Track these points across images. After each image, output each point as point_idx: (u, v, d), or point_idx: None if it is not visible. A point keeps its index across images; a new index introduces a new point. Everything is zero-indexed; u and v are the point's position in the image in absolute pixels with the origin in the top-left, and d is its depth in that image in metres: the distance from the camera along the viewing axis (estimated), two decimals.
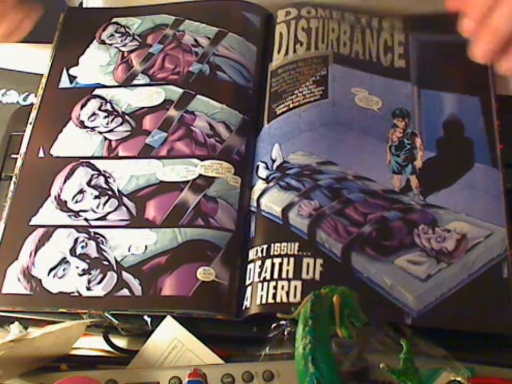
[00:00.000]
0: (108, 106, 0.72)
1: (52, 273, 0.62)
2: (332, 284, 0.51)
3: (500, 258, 0.59)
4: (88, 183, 0.67)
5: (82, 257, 0.62)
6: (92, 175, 0.67)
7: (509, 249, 0.60)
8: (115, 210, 0.65)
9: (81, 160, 0.68)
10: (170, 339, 0.58)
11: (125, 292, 0.60)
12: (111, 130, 0.70)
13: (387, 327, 0.56)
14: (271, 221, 0.63)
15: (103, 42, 0.77)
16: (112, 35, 0.77)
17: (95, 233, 0.64)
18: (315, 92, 0.70)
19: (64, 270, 0.62)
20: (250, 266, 0.61)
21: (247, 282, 0.60)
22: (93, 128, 0.70)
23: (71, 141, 0.70)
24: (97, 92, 0.73)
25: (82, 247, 0.63)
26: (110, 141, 0.69)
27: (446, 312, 0.57)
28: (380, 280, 0.59)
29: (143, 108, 0.71)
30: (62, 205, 0.66)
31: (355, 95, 0.69)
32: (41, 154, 0.69)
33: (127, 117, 0.71)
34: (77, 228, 0.64)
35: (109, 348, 0.61)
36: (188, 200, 0.64)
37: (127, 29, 0.78)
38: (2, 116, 0.75)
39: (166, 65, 0.74)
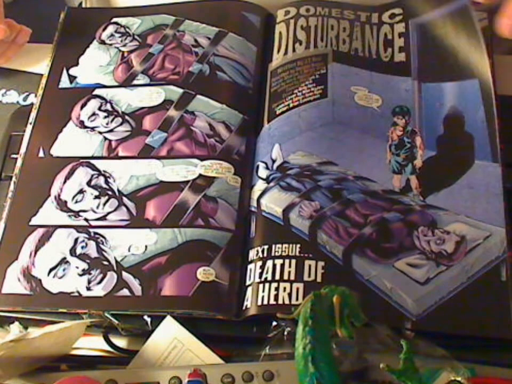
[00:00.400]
0: (108, 106, 0.72)
1: (52, 273, 0.62)
2: (334, 285, 0.51)
3: (499, 261, 0.59)
4: (88, 183, 0.67)
5: (82, 257, 0.62)
6: (92, 175, 0.67)
7: (508, 251, 0.60)
8: (115, 210, 0.65)
9: (81, 160, 0.68)
10: (170, 339, 0.58)
11: (125, 292, 0.60)
12: (111, 130, 0.70)
13: (387, 327, 0.56)
14: (272, 222, 0.63)
15: (103, 42, 0.77)
16: (112, 35, 0.77)
17: (95, 233, 0.64)
18: (315, 91, 0.70)
19: (64, 270, 0.62)
20: (251, 266, 0.61)
21: (248, 282, 0.60)
22: (93, 128, 0.70)
23: (71, 141, 0.70)
24: (97, 92, 0.73)
25: (82, 247, 0.63)
26: (110, 141, 0.69)
27: (445, 316, 0.57)
28: (380, 283, 0.59)
29: (143, 108, 0.71)
30: (62, 205, 0.66)
31: (355, 93, 0.69)
32: (41, 154, 0.69)
33: (127, 117, 0.71)
34: (77, 228, 0.64)
35: (109, 348, 0.61)
36: (188, 200, 0.64)
37: (127, 29, 0.78)
38: (2, 116, 0.76)
39: (166, 65, 0.74)
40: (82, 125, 0.71)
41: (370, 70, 0.71)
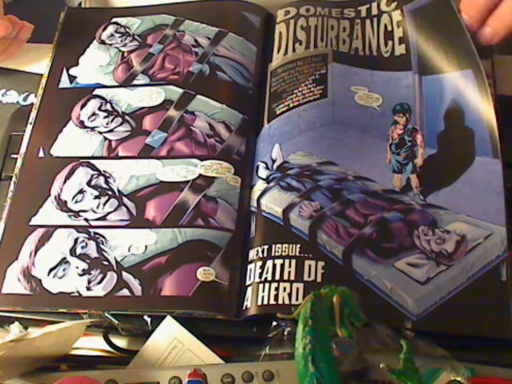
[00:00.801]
0: (108, 106, 0.72)
1: (52, 273, 0.62)
2: (334, 285, 0.51)
3: (499, 260, 0.59)
4: (88, 183, 0.67)
5: (82, 257, 0.62)
6: (92, 175, 0.67)
7: (508, 251, 0.59)
8: (115, 210, 0.65)
9: (81, 160, 0.68)
10: (170, 339, 0.58)
11: (125, 292, 0.60)
12: (111, 130, 0.70)
13: (387, 327, 0.56)
14: (272, 222, 0.63)
15: (103, 42, 0.77)
16: (112, 35, 0.77)
17: (95, 233, 0.64)
18: (315, 91, 0.70)
19: (64, 270, 0.62)
20: (251, 266, 0.61)
21: (248, 282, 0.60)
22: (93, 128, 0.70)
23: (71, 141, 0.70)
24: (97, 92, 0.73)
25: (82, 247, 0.63)
26: (110, 141, 0.69)
27: (445, 316, 0.57)
28: (380, 283, 0.58)
29: (143, 108, 0.71)
30: (62, 205, 0.66)
31: (355, 93, 0.69)
32: (41, 154, 0.69)
33: (127, 117, 0.71)
34: (77, 228, 0.64)
35: (109, 348, 0.61)
36: (188, 200, 0.64)
37: (127, 29, 0.78)
38: (2, 116, 0.76)
39: (166, 65, 0.74)
40: (82, 125, 0.71)
41: (370, 69, 0.71)
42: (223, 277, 0.60)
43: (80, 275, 0.61)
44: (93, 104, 0.72)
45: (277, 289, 0.58)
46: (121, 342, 0.61)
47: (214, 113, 0.70)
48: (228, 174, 0.66)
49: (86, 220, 0.65)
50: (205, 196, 0.64)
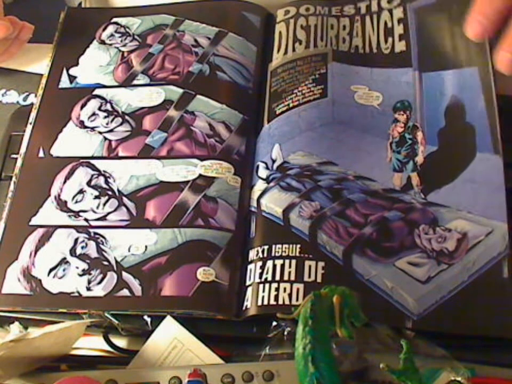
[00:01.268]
0: (108, 106, 0.72)
1: (52, 273, 0.62)
2: (334, 285, 0.51)
3: (500, 257, 0.59)
4: (88, 183, 0.67)
5: (82, 257, 0.62)
6: (92, 175, 0.67)
7: (509, 248, 0.59)
8: (115, 210, 0.65)
9: (81, 160, 0.68)
10: (170, 339, 0.58)
11: (125, 292, 0.60)
12: (111, 130, 0.70)
13: (387, 327, 0.56)
14: (272, 222, 0.63)
15: (103, 42, 0.77)
16: (112, 35, 0.77)
17: (95, 233, 0.64)
18: (314, 91, 0.70)
19: (64, 270, 0.62)
20: (251, 266, 0.61)
21: (248, 282, 0.60)
22: (93, 128, 0.70)
23: (71, 141, 0.70)
24: (97, 92, 0.73)
25: (82, 247, 0.63)
26: (110, 141, 0.69)
27: (446, 315, 0.57)
28: (381, 282, 0.58)
29: (143, 108, 0.71)
30: (62, 205, 0.66)
31: (355, 92, 0.69)
32: (41, 154, 0.69)
33: (127, 117, 0.71)
34: (77, 228, 0.64)
35: (109, 348, 0.61)
36: (188, 200, 0.64)
37: (127, 29, 0.78)
38: (2, 116, 0.76)
39: (166, 65, 0.74)
40: (82, 125, 0.71)
41: (370, 67, 0.71)
42: (223, 277, 0.60)
43: (80, 275, 0.61)
44: (93, 104, 0.72)
45: (277, 289, 0.58)
46: (121, 342, 0.61)
47: (214, 113, 0.70)
48: (228, 174, 0.66)
49: (86, 220, 0.65)
50: (205, 196, 0.64)
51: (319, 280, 0.59)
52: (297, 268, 0.59)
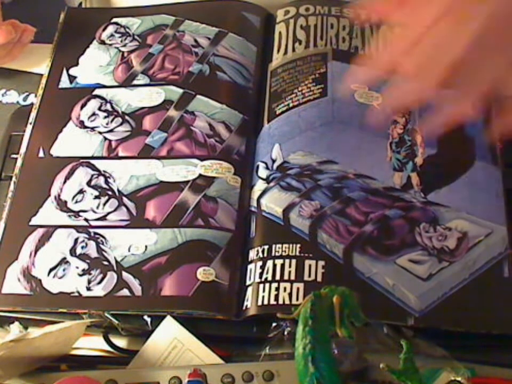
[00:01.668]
0: (108, 107, 0.72)
1: (52, 273, 0.62)
2: (334, 285, 0.51)
3: (501, 257, 0.59)
4: (88, 183, 0.67)
5: (82, 257, 0.62)
6: (92, 175, 0.67)
7: (510, 248, 0.60)
8: (115, 210, 0.65)
9: (81, 160, 0.68)
10: (170, 339, 0.58)
11: (125, 292, 0.60)
12: (111, 131, 0.70)
13: (387, 327, 0.56)
14: (272, 222, 0.63)
15: (103, 42, 0.77)
16: (112, 35, 0.77)
17: (95, 233, 0.64)
18: (314, 90, 0.69)
19: (64, 270, 0.62)
20: (251, 266, 0.61)
21: (248, 282, 0.60)
22: (93, 128, 0.70)
23: (71, 141, 0.70)
24: (97, 92, 0.73)
25: (82, 247, 0.63)
26: (110, 141, 0.69)
27: (448, 312, 0.57)
28: (382, 280, 0.58)
29: (143, 108, 0.71)
30: (62, 205, 0.66)
31: (355, 91, 0.69)
32: (41, 154, 0.69)
33: (127, 117, 0.71)
34: (77, 228, 0.64)
35: (109, 348, 0.61)
36: (188, 200, 0.64)
37: (127, 29, 0.78)
38: (2, 116, 0.76)
39: (166, 65, 0.74)
40: (82, 125, 0.71)
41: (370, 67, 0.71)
42: (223, 277, 0.60)
43: (80, 275, 0.61)
44: (93, 104, 0.72)
45: (277, 289, 0.58)
46: (121, 342, 0.61)
47: (214, 113, 0.70)
48: (228, 174, 0.66)
49: (86, 220, 0.65)
50: (205, 195, 0.64)
51: (319, 279, 0.58)
52: (297, 267, 0.59)
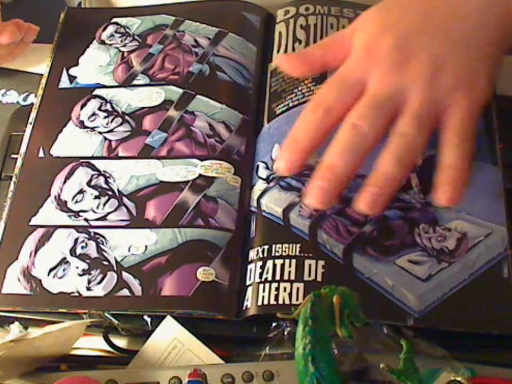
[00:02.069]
0: (108, 107, 0.72)
1: (52, 273, 0.62)
2: (334, 285, 0.51)
3: (501, 258, 0.59)
4: (88, 183, 0.67)
5: (82, 257, 0.62)
6: (92, 175, 0.67)
7: (509, 249, 0.60)
8: (115, 210, 0.65)
9: (81, 160, 0.68)
10: (170, 339, 0.58)
11: (125, 292, 0.60)
12: (111, 131, 0.70)
13: (387, 327, 0.56)
14: (272, 222, 0.63)
15: (103, 42, 0.77)
16: (112, 35, 0.77)
17: (95, 233, 0.64)
18: (314, 90, 0.69)
19: (64, 270, 0.62)
20: (251, 266, 0.61)
21: (248, 282, 0.60)
22: (93, 128, 0.70)
23: (71, 141, 0.70)
24: (97, 92, 0.73)
25: (82, 247, 0.63)
26: (110, 141, 0.69)
27: (447, 313, 0.57)
28: (382, 280, 0.58)
29: (143, 108, 0.71)
30: (62, 205, 0.66)
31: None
32: (41, 154, 0.69)
33: (127, 117, 0.71)
34: (77, 228, 0.64)
35: (109, 348, 0.60)
36: (188, 200, 0.64)
37: (127, 29, 0.78)
38: (2, 116, 0.75)
39: (166, 65, 0.74)
40: (82, 125, 0.71)
41: None
42: (223, 277, 0.60)
43: (80, 275, 0.61)
44: (93, 104, 0.72)
45: (277, 289, 0.58)
46: (121, 342, 0.61)
47: (214, 113, 0.70)
48: (228, 174, 0.66)
49: (86, 220, 0.65)
50: (205, 195, 0.64)
51: (319, 279, 0.59)
52: (297, 267, 0.59)
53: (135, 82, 0.73)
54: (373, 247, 0.60)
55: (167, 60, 0.74)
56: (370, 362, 0.54)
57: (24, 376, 0.56)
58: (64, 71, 0.75)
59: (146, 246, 0.62)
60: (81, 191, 0.66)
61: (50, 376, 0.56)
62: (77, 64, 0.75)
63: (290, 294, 0.58)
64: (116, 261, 0.62)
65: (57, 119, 0.71)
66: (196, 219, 0.63)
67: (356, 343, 0.54)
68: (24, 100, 0.78)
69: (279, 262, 0.60)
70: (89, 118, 0.71)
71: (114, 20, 0.79)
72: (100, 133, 0.70)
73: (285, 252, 0.60)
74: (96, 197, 0.66)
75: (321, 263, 0.59)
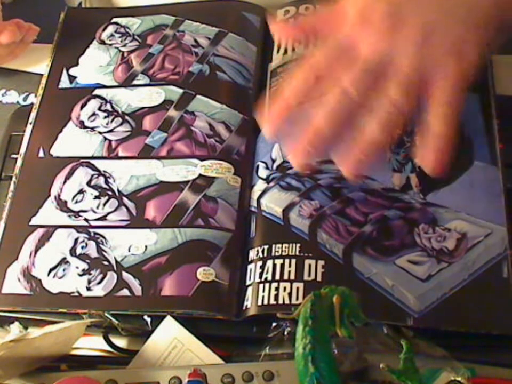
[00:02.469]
0: (108, 107, 0.72)
1: (52, 273, 0.62)
2: (334, 285, 0.51)
3: (500, 258, 0.59)
4: (88, 183, 0.67)
5: (82, 257, 0.62)
6: (92, 175, 0.67)
7: (509, 249, 0.60)
8: (115, 210, 0.65)
9: (81, 160, 0.68)
10: (170, 339, 0.58)
11: (125, 292, 0.60)
12: (111, 131, 0.70)
13: (387, 327, 0.56)
14: (272, 222, 0.63)
15: (103, 42, 0.77)
16: (112, 35, 0.77)
17: (95, 233, 0.64)
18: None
19: (64, 270, 0.62)
20: (251, 266, 0.61)
21: (248, 282, 0.60)
22: (93, 128, 0.70)
23: (71, 141, 0.70)
24: (97, 92, 0.73)
25: (82, 247, 0.63)
26: (110, 141, 0.69)
27: (447, 313, 0.57)
28: (381, 280, 0.58)
29: (143, 108, 0.71)
30: (62, 205, 0.66)
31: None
32: (41, 154, 0.69)
33: (127, 117, 0.71)
34: (77, 228, 0.64)
35: (109, 348, 0.60)
36: (188, 200, 0.64)
37: (127, 29, 0.78)
38: (2, 116, 0.75)
39: (166, 65, 0.74)
40: (82, 125, 0.71)
41: None
42: (223, 277, 0.60)
43: (80, 275, 0.61)
44: (93, 104, 0.72)
45: (277, 289, 0.58)
46: (121, 342, 0.61)
47: (214, 113, 0.70)
48: (228, 174, 0.66)
49: (86, 220, 0.65)
50: (205, 195, 0.64)
51: (319, 279, 0.59)
52: (297, 267, 0.59)
53: (135, 82, 0.73)
54: (372, 247, 0.60)
55: (167, 60, 0.74)
56: (370, 362, 0.54)
57: (24, 376, 0.56)
58: (64, 71, 0.75)
59: (146, 246, 0.62)
60: (81, 191, 0.66)
61: (50, 376, 0.56)
62: (77, 64, 0.75)
63: (290, 294, 0.58)
64: (116, 261, 0.62)
65: (57, 119, 0.71)
66: (196, 219, 0.63)
67: (356, 343, 0.54)
68: (24, 100, 0.78)
69: (279, 262, 0.60)
70: (89, 118, 0.71)
71: (114, 20, 0.79)
72: (100, 133, 0.70)
73: (285, 251, 0.60)
74: (96, 197, 0.66)
75: (321, 263, 0.59)
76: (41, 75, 0.75)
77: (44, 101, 0.73)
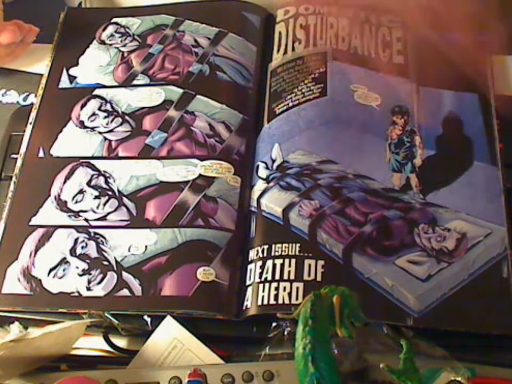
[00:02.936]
0: (108, 107, 0.72)
1: (52, 273, 0.62)
2: (334, 285, 0.51)
3: (500, 258, 0.59)
4: (88, 183, 0.67)
5: (82, 257, 0.62)
6: (92, 175, 0.67)
7: (509, 249, 0.60)
8: (115, 210, 0.65)
9: (81, 160, 0.68)
10: (170, 339, 0.58)
11: (125, 292, 0.60)
12: (111, 131, 0.70)
13: (387, 327, 0.56)
14: (272, 221, 0.63)
15: (103, 42, 0.77)
16: (112, 35, 0.77)
17: (95, 233, 0.64)
18: (314, 90, 0.70)
19: (64, 270, 0.62)
20: (251, 266, 0.61)
21: (248, 282, 0.60)
22: (93, 128, 0.70)
23: (71, 141, 0.70)
24: (97, 92, 0.73)
25: (82, 247, 0.63)
26: (110, 141, 0.69)
27: (447, 313, 0.57)
28: (381, 280, 0.59)
29: (143, 108, 0.71)
30: (62, 205, 0.66)
31: (354, 91, 0.69)
32: (41, 154, 0.69)
33: (127, 117, 0.71)
34: (77, 228, 0.64)
35: (109, 348, 0.61)
36: (188, 200, 0.64)
37: (127, 29, 0.78)
38: (2, 116, 0.76)
39: (166, 65, 0.74)
40: (82, 125, 0.71)
41: (369, 69, 0.71)
42: (223, 277, 0.60)
43: (80, 275, 0.61)
44: (93, 104, 0.72)
45: (277, 289, 0.58)
46: (121, 342, 0.61)
47: (214, 113, 0.70)
48: (228, 174, 0.66)
49: (86, 220, 0.65)
50: (205, 195, 0.64)
51: (319, 279, 0.59)
52: (297, 267, 0.59)
53: (135, 82, 0.73)
54: (372, 247, 0.60)
55: (167, 60, 0.74)
56: (370, 362, 0.54)
57: (24, 376, 0.56)
58: (64, 71, 0.75)
59: (146, 246, 0.62)
60: (81, 191, 0.66)
61: (50, 376, 0.56)
62: (77, 64, 0.75)
63: (290, 294, 0.58)
64: (116, 261, 0.62)
65: (57, 119, 0.71)
66: (196, 219, 0.63)
67: (356, 343, 0.54)
68: (24, 100, 0.78)
69: (278, 261, 0.60)
70: (89, 118, 0.71)
71: (114, 20, 0.79)
72: (100, 133, 0.70)
73: (285, 251, 0.60)
74: (96, 197, 0.66)
75: (321, 263, 0.59)
76: (41, 75, 0.75)
77: (44, 101, 0.73)
